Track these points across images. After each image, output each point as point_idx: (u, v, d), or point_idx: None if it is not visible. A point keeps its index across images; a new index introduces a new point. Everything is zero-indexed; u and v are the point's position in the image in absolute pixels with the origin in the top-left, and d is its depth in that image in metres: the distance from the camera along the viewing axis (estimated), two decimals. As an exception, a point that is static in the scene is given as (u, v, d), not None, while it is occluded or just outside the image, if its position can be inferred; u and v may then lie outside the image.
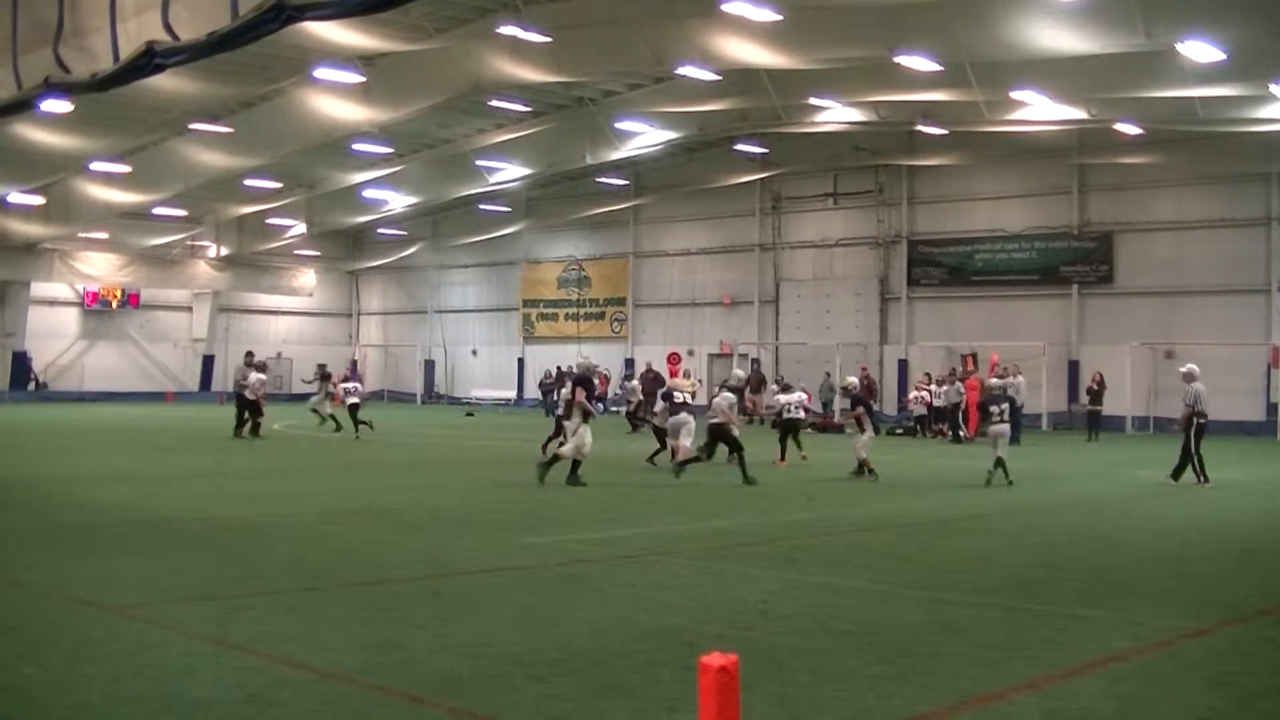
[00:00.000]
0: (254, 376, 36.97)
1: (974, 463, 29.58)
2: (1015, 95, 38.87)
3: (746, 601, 12.17)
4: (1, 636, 10.26)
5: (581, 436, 24.02)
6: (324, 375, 44.15)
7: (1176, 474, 26.36)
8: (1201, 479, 26.00)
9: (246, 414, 36.57)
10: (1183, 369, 27.21)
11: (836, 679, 9.18)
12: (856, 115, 46.07)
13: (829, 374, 51.82)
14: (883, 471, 26.94)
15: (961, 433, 41.15)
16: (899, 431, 43.71)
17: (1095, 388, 43.97)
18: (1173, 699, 8.94)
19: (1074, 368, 49.97)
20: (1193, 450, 26.11)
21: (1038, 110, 40.60)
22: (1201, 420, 26.29)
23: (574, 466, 23.83)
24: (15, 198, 56.64)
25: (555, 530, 17.60)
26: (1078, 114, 40.83)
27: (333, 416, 40.80)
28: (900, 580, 13.73)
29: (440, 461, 31.89)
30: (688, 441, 27.38)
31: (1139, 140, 44.65)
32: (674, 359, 54.97)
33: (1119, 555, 16.25)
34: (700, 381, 54.42)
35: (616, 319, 66.93)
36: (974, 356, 46.37)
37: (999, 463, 25.25)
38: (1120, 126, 42.73)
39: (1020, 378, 40.64)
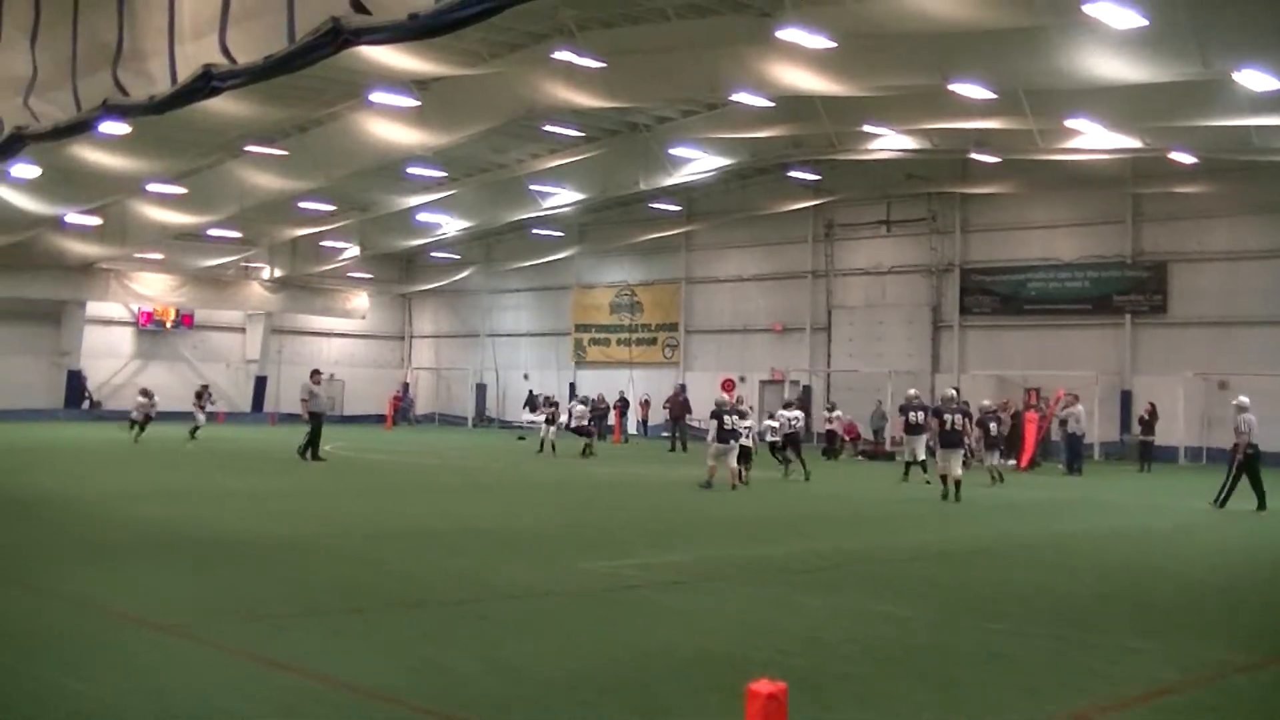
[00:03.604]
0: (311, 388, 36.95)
1: (1026, 492, 29.55)
2: (1069, 123, 38.74)
3: (792, 628, 12.13)
4: (50, 651, 10.31)
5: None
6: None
7: (1224, 502, 26.55)
8: (1221, 502, 26.56)
9: (313, 433, 36.30)
10: (1234, 400, 27.47)
11: (881, 707, 9.15)
12: (910, 143, 46.00)
13: (880, 401, 51.62)
14: (933, 499, 26.94)
15: (1011, 462, 41.22)
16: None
17: (1147, 418, 43.74)
18: (1221, 733, 8.89)
19: (1126, 397, 49.66)
20: (1242, 478, 26.34)
21: (1091, 139, 40.42)
22: (1250, 450, 26.38)
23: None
24: (73, 218, 56.99)
25: (602, 554, 17.61)
26: (1132, 143, 40.61)
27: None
28: (947, 608, 13.67)
29: (489, 484, 31.91)
30: (733, 462, 29.02)
31: (1193, 169, 44.30)
32: (728, 385, 54.99)
33: (1169, 586, 16.16)
34: (752, 408, 54.52)
35: (668, 344, 66.88)
36: (1036, 391, 46.38)
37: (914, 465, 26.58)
38: (1174, 155, 42.40)
39: (1079, 407, 40.43)
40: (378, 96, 38.49)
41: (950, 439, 28.57)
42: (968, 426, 31.01)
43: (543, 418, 44.69)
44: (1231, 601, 15.05)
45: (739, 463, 30.75)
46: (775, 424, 34.54)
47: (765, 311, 62.33)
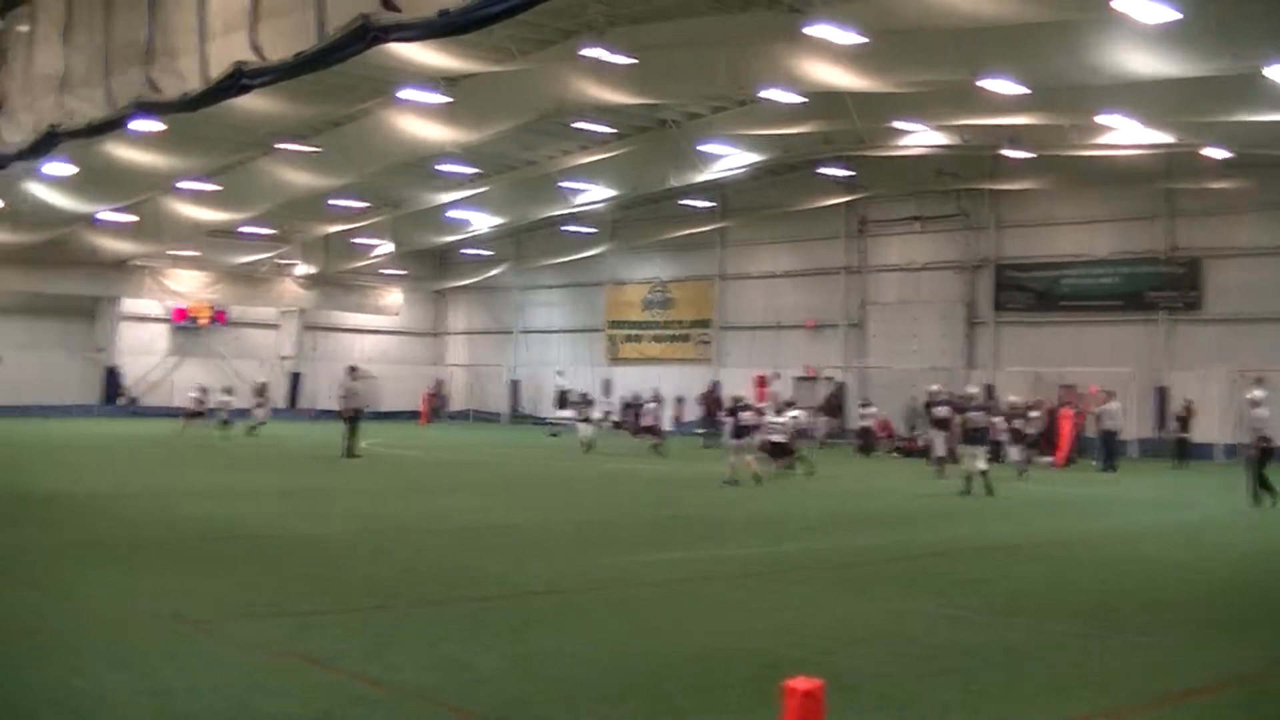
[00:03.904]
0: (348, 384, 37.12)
1: (1060, 489, 29.50)
2: (1101, 119, 38.53)
3: (821, 625, 12.14)
4: (88, 647, 10.40)
5: None
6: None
7: (1257, 498, 26.56)
8: (1258, 501, 26.50)
9: (351, 430, 36.48)
10: (1248, 395, 27.67)
11: (908, 705, 9.14)
12: (941, 139, 45.88)
13: (914, 398, 51.47)
14: (962, 497, 26.95)
15: (1047, 459, 41.27)
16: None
17: (1183, 414, 43.54)
18: (1249, 732, 8.86)
19: (1162, 394, 49.38)
20: (1259, 472, 26.62)
21: (1124, 134, 40.21)
22: (1264, 444, 26.75)
23: None
24: (107, 215, 57.22)
25: (629, 551, 17.64)
26: (1165, 138, 40.40)
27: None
28: (974, 606, 13.65)
29: (520, 481, 31.94)
30: (749, 457, 29.88)
31: (1227, 164, 43.99)
32: (761, 381, 55.00)
33: (1199, 584, 16.09)
34: (791, 403, 54.52)
35: (701, 341, 66.81)
36: (1071, 387, 46.29)
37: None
38: (1208, 151, 42.19)
39: (1115, 403, 40.29)
40: (407, 93, 38.52)
41: (972, 436, 29.12)
42: (992, 423, 31.29)
43: (577, 415, 44.74)
44: (1261, 599, 15.02)
45: (776, 456, 31.43)
46: (783, 421, 34.55)
47: (798, 308, 62.14)
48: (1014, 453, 35.59)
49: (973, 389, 31.59)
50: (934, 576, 15.94)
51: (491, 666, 9.95)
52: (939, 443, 34.17)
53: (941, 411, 33.51)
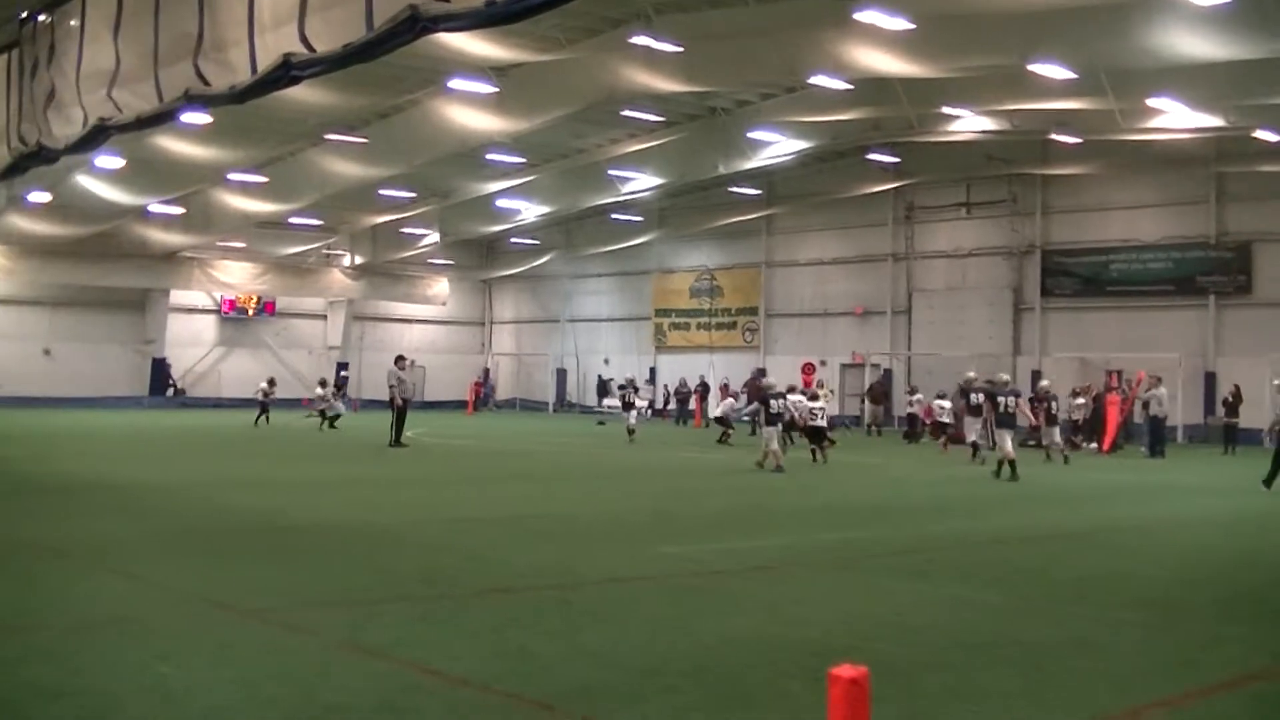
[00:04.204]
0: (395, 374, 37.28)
1: (1108, 476, 29.40)
2: (1151, 103, 38.34)
3: (877, 614, 12.10)
4: (140, 637, 10.46)
5: None
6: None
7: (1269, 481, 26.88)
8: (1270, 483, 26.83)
9: (399, 419, 36.75)
10: (1276, 381, 28.13)
11: (966, 694, 9.10)
12: (989, 124, 45.73)
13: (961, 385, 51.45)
14: (1018, 483, 26.99)
15: (1094, 445, 41.29)
16: (1030, 443, 43.18)
17: (1232, 400, 43.29)
18: (1313, 719, 8.81)
19: (1210, 379, 49.15)
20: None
21: (1174, 118, 39.99)
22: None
23: None
24: (156, 207, 57.60)
25: (686, 540, 17.64)
26: (1215, 121, 40.17)
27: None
28: (1032, 594, 13.62)
29: (572, 471, 31.97)
30: (775, 445, 30.40)
31: (1278, 148, 43.78)
32: (808, 369, 55.06)
33: (1257, 572, 16.02)
34: (833, 392, 54.68)
35: (749, 329, 66.79)
36: (1118, 373, 46.12)
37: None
38: (1259, 134, 41.88)
39: (1162, 389, 40.10)
40: (456, 83, 38.61)
41: (1005, 420, 29.76)
42: (1022, 407, 32.11)
43: (620, 403, 44.79)
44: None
45: (814, 442, 33.17)
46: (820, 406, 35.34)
47: (846, 295, 62.05)
48: (1052, 435, 36.16)
49: (1004, 375, 31.85)
50: (990, 564, 15.88)
51: (553, 655, 9.96)
52: (974, 428, 35.28)
53: (976, 398, 33.91)
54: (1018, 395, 31.30)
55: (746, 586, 13.83)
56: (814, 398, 35.49)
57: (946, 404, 43.04)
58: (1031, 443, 37.49)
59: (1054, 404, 36.35)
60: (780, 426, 31.42)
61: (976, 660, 10.17)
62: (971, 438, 35.36)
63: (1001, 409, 29.75)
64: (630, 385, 44.93)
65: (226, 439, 40.21)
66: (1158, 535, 19.84)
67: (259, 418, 47.36)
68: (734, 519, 20.74)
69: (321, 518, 19.26)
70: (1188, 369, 48.58)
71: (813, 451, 33.82)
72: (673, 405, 64.19)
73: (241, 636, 10.59)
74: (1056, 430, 36.58)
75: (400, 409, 36.65)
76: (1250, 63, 32.31)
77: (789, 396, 33.91)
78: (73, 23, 21.52)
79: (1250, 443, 42.74)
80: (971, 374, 38.10)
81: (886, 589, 13.77)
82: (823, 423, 34.48)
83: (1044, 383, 38.92)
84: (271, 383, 51.19)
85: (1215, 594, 14.03)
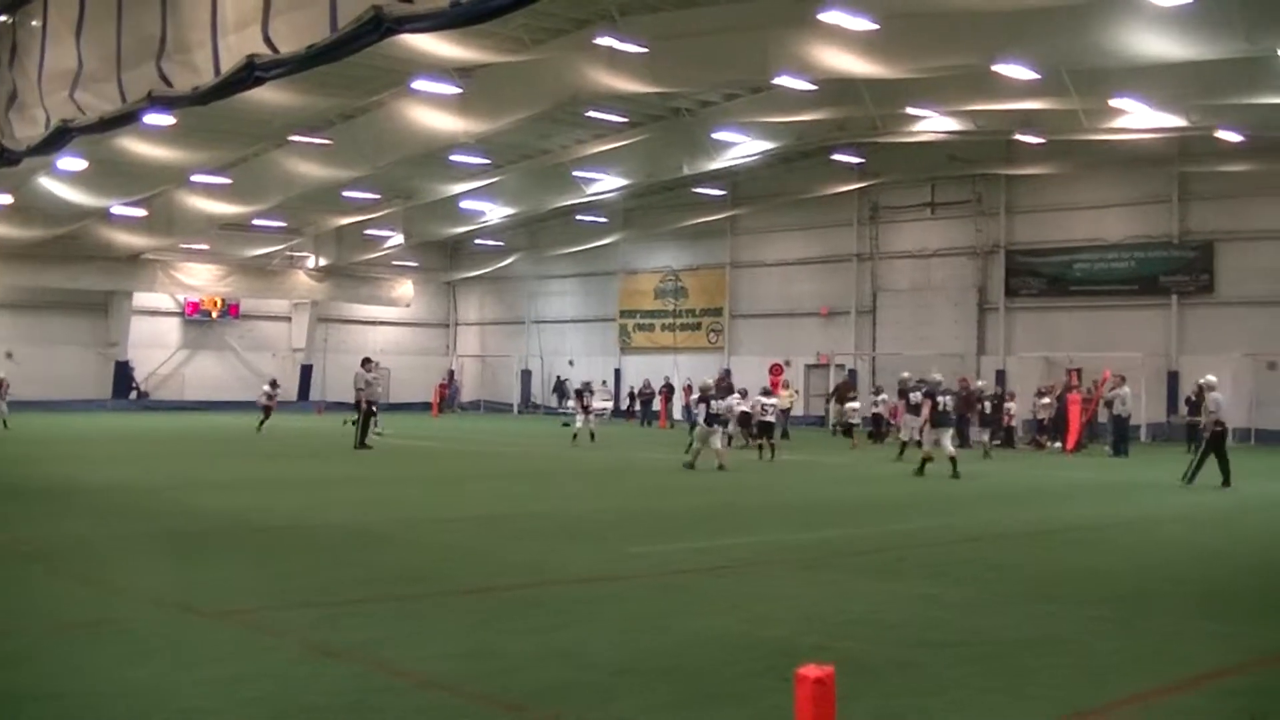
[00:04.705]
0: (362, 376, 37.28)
1: (1073, 474, 29.51)
2: (1115, 103, 38.50)
3: (848, 612, 12.09)
4: (109, 641, 10.38)
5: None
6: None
7: (1192, 477, 28.00)
8: (1191, 479, 27.88)
9: (365, 421, 36.86)
10: (1201, 380, 28.71)
11: (938, 692, 9.09)
12: (954, 124, 45.90)
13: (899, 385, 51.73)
14: (983, 481, 27.05)
15: (1058, 444, 41.60)
16: (996, 443, 43.27)
17: (1195, 399, 43.40)
18: (1285, 713, 8.83)
19: (1174, 378, 49.35)
20: (1211, 455, 27.82)
21: (1137, 118, 40.17)
22: (1218, 428, 27.89)
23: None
24: (119, 209, 57.38)
25: (656, 540, 17.62)
26: (1178, 121, 40.33)
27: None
28: (1004, 592, 13.63)
29: (540, 471, 31.89)
30: (718, 444, 31.17)
31: (1240, 148, 43.91)
32: (776, 370, 55.13)
33: (1227, 568, 16.08)
34: (798, 392, 54.85)
35: (713, 330, 66.84)
36: (1078, 372, 46.25)
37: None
38: (1221, 134, 42.08)
39: (1126, 389, 40.23)
40: (421, 85, 38.59)
41: (942, 419, 30.35)
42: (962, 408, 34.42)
43: (575, 405, 44.72)
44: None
45: (760, 437, 35.33)
46: (767, 402, 36.59)
47: (811, 295, 62.14)
48: (983, 434, 39.00)
49: (937, 375, 32.36)
50: (960, 563, 15.88)
51: (523, 655, 9.93)
52: (911, 426, 36.23)
53: (915, 398, 34.53)
54: (952, 394, 32.29)
55: (716, 585, 13.82)
56: (766, 393, 36.54)
57: (883, 398, 44.47)
58: (997, 442, 38.01)
59: (986, 404, 38.03)
60: (730, 425, 33.19)
61: (947, 658, 10.16)
62: (905, 436, 36.84)
63: (940, 408, 30.14)
64: (586, 388, 44.74)
65: (191, 441, 40.05)
66: (1127, 532, 19.90)
67: (262, 423, 45.89)
68: (704, 518, 20.72)
69: (292, 519, 19.22)
70: (1151, 368, 48.80)
71: (759, 448, 34.76)
72: (637, 407, 64.19)
73: (214, 638, 10.54)
74: (988, 432, 39.04)
75: (367, 411, 36.72)
76: (1212, 62, 32.48)
77: (757, 396, 34.44)
78: (34, 23, 21.42)
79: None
80: (906, 374, 39.60)
81: (857, 587, 13.76)
82: (772, 418, 35.89)
83: (980, 383, 39.95)
84: (275, 384, 50.54)
85: (1187, 590, 14.08)
